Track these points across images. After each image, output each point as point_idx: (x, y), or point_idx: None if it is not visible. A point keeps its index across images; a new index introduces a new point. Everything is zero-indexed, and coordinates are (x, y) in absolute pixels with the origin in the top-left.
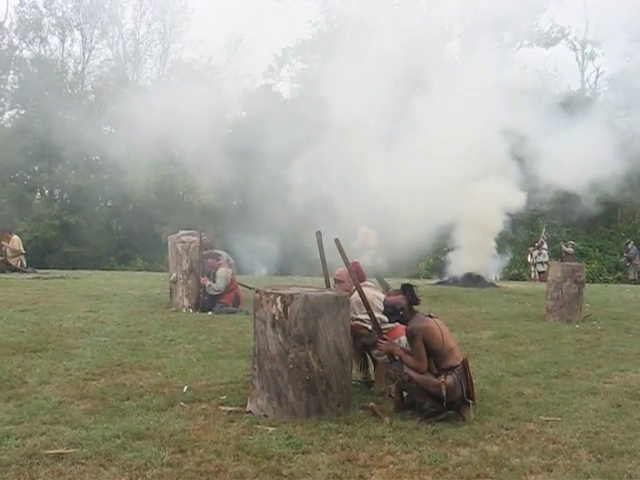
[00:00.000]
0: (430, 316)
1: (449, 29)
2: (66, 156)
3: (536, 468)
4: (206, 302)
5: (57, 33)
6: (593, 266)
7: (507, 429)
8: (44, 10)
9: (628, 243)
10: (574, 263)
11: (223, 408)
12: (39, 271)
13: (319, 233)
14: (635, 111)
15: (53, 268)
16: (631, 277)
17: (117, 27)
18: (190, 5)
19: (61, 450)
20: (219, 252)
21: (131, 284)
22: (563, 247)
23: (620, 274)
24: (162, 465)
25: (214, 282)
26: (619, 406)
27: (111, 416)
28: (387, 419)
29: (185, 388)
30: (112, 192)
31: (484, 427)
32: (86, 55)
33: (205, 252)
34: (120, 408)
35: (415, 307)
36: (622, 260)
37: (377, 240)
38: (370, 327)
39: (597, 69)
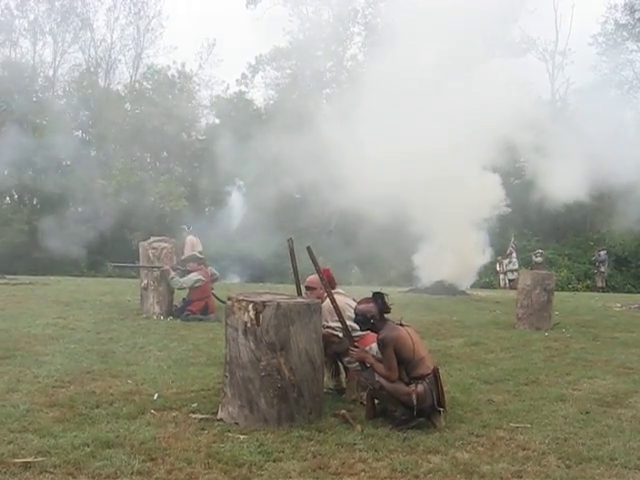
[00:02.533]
0: (401, 324)
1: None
2: (36, 161)
3: (506, 475)
4: (176, 310)
5: (29, 36)
6: (562, 274)
7: (477, 436)
8: (16, 12)
9: (600, 250)
10: (543, 271)
11: (194, 416)
12: (7, 277)
13: (291, 240)
14: (603, 122)
15: (22, 274)
16: (599, 285)
17: (89, 32)
18: (165, 11)
19: (29, 459)
20: (201, 256)
21: (101, 290)
22: (533, 257)
23: (589, 282)
24: (132, 474)
25: (179, 277)
26: (587, 413)
27: (80, 424)
28: (359, 427)
29: (156, 396)
30: (82, 197)
31: (455, 434)
32: (58, 59)
33: (189, 255)
34: (89, 416)
35: (386, 315)
36: (592, 259)
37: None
38: (341, 335)
39: (567, 80)
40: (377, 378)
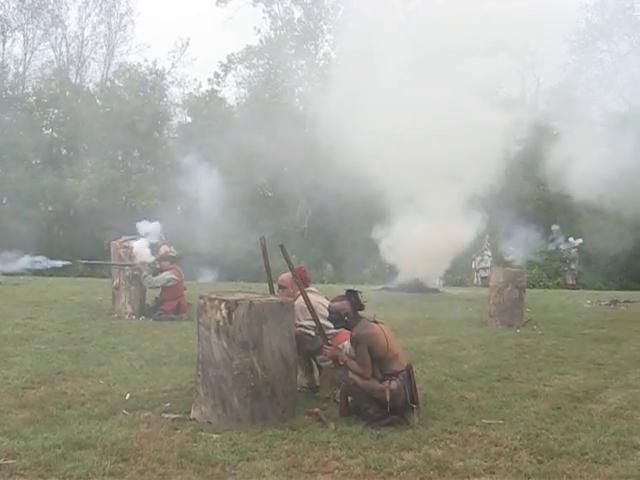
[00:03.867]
0: (375, 321)
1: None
2: (5, 159)
3: (479, 470)
4: (148, 309)
5: None
6: (534, 272)
7: (450, 433)
8: None
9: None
10: (515, 269)
11: (166, 415)
12: None
13: (263, 239)
14: (572, 121)
15: None
16: (570, 282)
17: (61, 28)
18: (137, 8)
19: None
20: (174, 255)
21: (73, 290)
22: (504, 257)
23: (559, 279)
24: (104, 475)
25: (150, 275)
26: (559, 408)
27: (51, 425)
28: (332, 424)
29: (128, 396)
30: (53, 196)
31: (428, 431)
32: (28, 56)
33: (162, 253)
34: (60, 417)
35: (360, 312)
36: (563, 257)
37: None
38: (313, 333)
39: (538, 79)
40: (350, 375)
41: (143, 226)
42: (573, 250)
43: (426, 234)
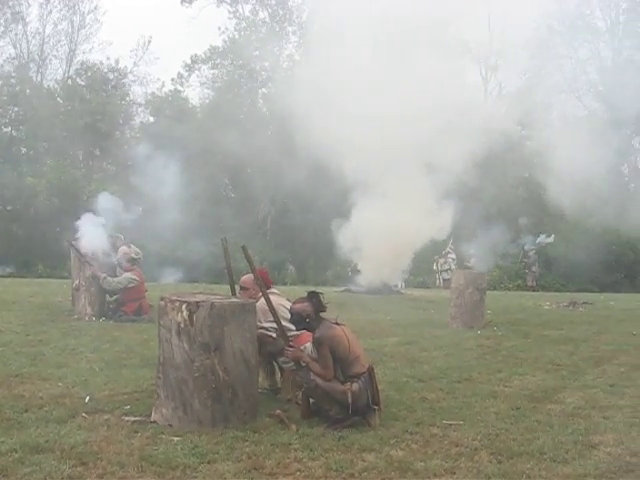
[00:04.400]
0: (337, 323)
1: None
2: None
3: (439, 471)
4: (109, 310)
5: None
6: (494, 274)
7: (411, 434)
8: None
9: (525, 248)
10: (476, 271)
11: (126, 418)
12: None
13: (224, 240)
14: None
15: None
16: (529, 284)
17: (22, 25)
18: (102, 7)
19: None
20: (136, 257)
21: (31, 291)
22: (465, 263)
23: (520, 282)
24: (62, 479)
25: (111, 278)
26: (518, 409)
27: (8, 429)
28: (294, 426)
29: (87, 398)
30: (12, 196)
31: (389, 432)
32: None
33: (121, 255)
34: (18, 420)
35: (322, 314)
36: (523, 262)
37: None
38: (275, 335)
39: (499, 84)
40: (312, 377)
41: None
42: (531, 253)
43: (388, 227)
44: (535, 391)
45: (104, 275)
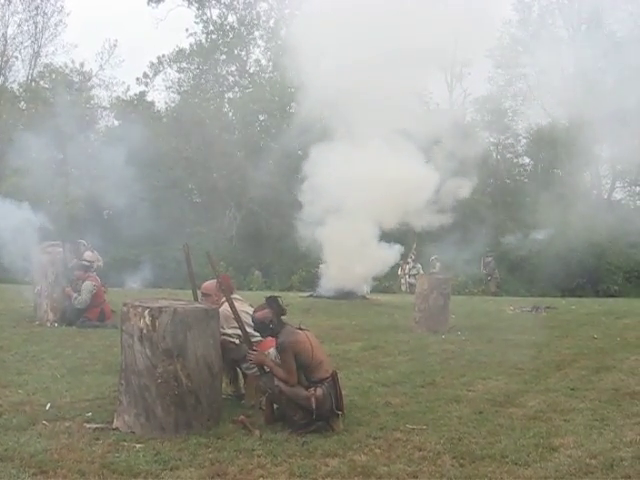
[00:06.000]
0: (300, 328)
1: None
2: None
3: (402, 475)
4: (70, 316)
5: None
6: (459, 279)
7: (375, 438)
8: None
9: (487, 257)
10: (440, 276)
11: (88, 425)
12: None
13: (186, 246)
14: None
15: None
16: (493, 290)
17: None
18: (66, 7)
19: None
20: (88, 264)
21: None
22: (430, 269)
23: (484, 287)
24: None
25: (79, 294)
26: (481, 413)
27: None
28: (257, 432)
29: (48, 406)
30: None
31: (353, 437)
32: None
33: (73, 263)
34: None
35: (284, 319)
36: (484, 274)
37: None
38: (237, 341)
39: (465, 91)
40: (276, 382)
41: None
42: (489, 259)
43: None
44: (498, 395)
45: (75, 295)
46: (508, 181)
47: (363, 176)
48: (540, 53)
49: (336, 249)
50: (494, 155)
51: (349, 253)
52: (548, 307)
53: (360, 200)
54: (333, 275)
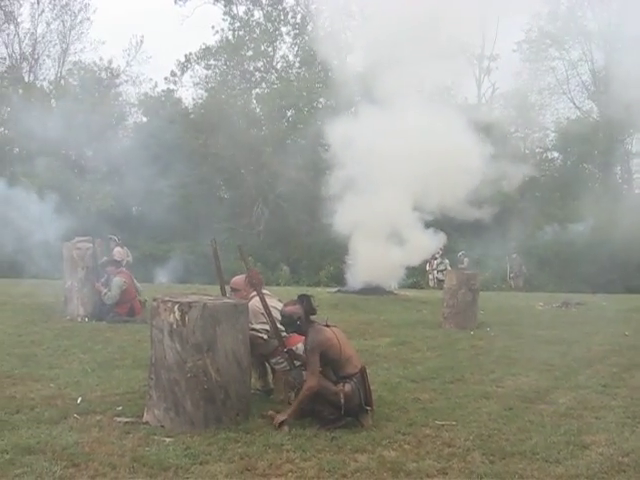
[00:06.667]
0: (327, 325)
1: (352, 41)
2: None
3: (432, 472)
4: (100, 311)
5: None
6: (487, 274)
7: (404, 434)
8: None
9: (513, 252)
10: (469, 271)
11: (118, 419)
12: None
13: (214, 241)
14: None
15: None
16: (520, 285)
17: (14, 25)
18: (93, 5)
19: None
20: (119, 260)
21: (23, 292)
22: (458, 264)
23: (511, 282)
24: None
25: (109, 290)
26: (511, 409)
27: None
28: (286, 427)
29: (79, 399)
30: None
31: (382, 433)
32: None
33: (105, 259)
34: (9, 422)
35: (312, 317)
36: (510, 275)
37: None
38: (265, 337)
39: (493, 84)
40: (305, 378)
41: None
42: (514, 255)
43: (384, 244)
44: (528, 391)
45: (104, 291)
46: (537, 176)
47: (401, 149)
48: (569, 46)
49: (367, 234)
50: (522, 149)
51: (382, 239)
52: (578, 303)
53: (397, 176)
54: (363, 267)
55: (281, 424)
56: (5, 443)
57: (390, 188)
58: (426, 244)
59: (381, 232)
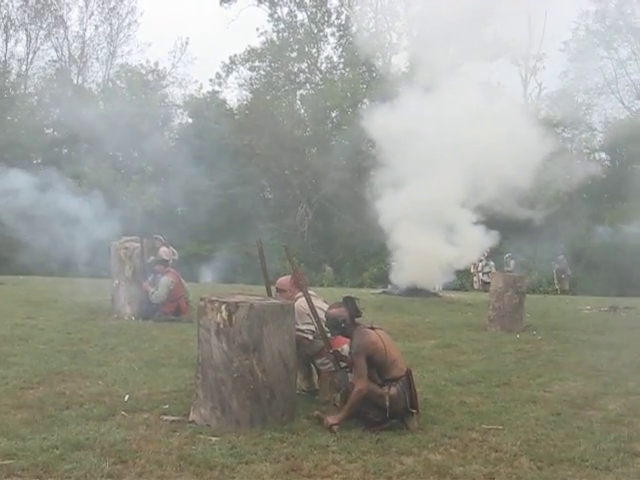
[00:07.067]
0: (372, 327)
1: (397, 42)
2: (7, 158)
3: (479, 476)
4: (147, 309)
5: (0, 32)
6: (534, 277)
7: (450, 438)
8: None
9: (559, 254)
10: (515, 274)
11: (165, 417)
12: None
13: (260, 242)
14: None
15: None
16: (565, 288)
17: (63, 28)
18: (139, 8)
19: None
20: (167, 259)
21: (72, 290)
22: (504, 267)
23: (557, 285)
24: (102, 476)
25: (156, 289)
26: (558, 414)
27: (49, 426)
28: (336, 429)
29: (126, 397)
30: None
31: (427, 436)
32: (30, 56)
33: (152, 258)
34: (59, 418)
35: (357, 320)
36: (556, 270)
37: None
38: (311, 337)
39: (539, 85)
40: (350, 380)
41: None
42: (560, 257)
43: (432, 245)
44: (576, 397)
45: (152, 290)
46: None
47: (452, 138)
48: (618, 45)
49: (414, 232)
50: (569, 150)
51: (429, 237)
52: (627, 307)
53: (447, 169)
54: (408, 266)
55: (331, 426)
56: (55, 438)
57: (439, 181)
58: (477, 243)
59: (429, 230)
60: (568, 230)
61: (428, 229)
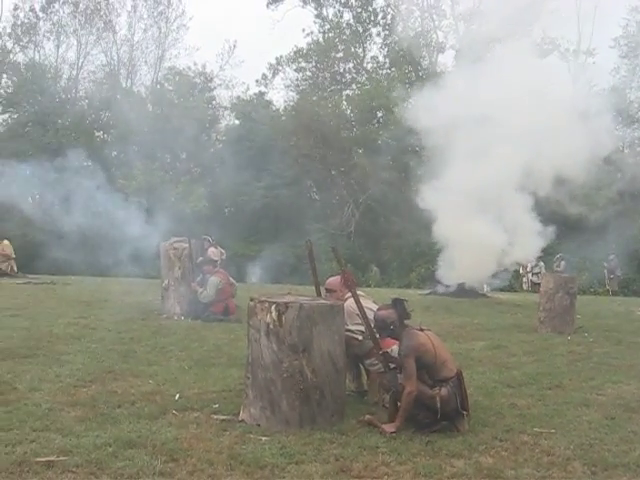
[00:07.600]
0: (421, 329)
1: (443, 40)
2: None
3: None
4: (196, 309)
5: (52, 38)
6: (584, 278)
7: (501, 440)
8: (41, 14)
9: (610, 254)
10: (566, 275)
11: (215, 417)
12: (29, 276)
13: (309, 242)
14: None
15: (43, 273)
16: (615, 289)
17: (112, 33)
18: (188, 12)
19: (51, 458)
20: (216, 259)
21: (122, 290)
22: (555, 267)
23: (608, 286)
24: (154, 474)
25: (205, 289)
26: (612, 418)
27: (102, 424)
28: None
29: (177, 396)
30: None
31: (478, 438)
32: (80, 61)
33: (201, 259)
34: (111, 416)
35: (406, 321)
36: (606, 271)
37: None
38: (360, 337)
39: (589, 82)
40: (400, 381)
41: None
42: (611, 257)
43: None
44: (630, 400)
45: (200, 290)
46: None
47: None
48: None
49: (465, 218)
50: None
51: (480, 224)
52: None
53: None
54: (459, 261)
55: (390, 435)
56: (108, 436)
57: (492, 165)
58: (533, 231)
59: (480, 218)
60: (621, 230)
61: (479, 217)
